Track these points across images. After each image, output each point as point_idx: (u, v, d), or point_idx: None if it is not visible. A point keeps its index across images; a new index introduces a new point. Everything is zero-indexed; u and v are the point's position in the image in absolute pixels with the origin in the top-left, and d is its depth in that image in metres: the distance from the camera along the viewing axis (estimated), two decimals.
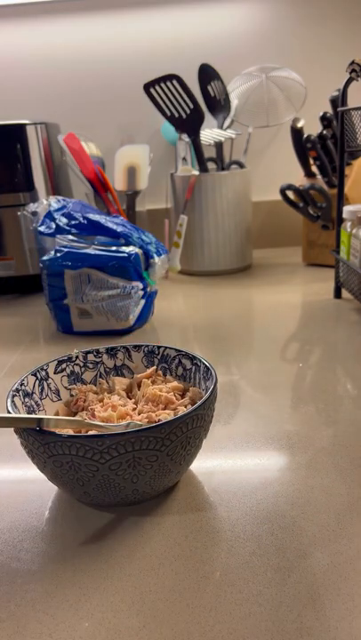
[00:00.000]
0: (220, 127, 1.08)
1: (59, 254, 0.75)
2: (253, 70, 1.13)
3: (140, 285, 0.76)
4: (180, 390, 0.46)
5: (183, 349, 0.47)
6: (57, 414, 0.46)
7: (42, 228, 0.80)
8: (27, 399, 0.43)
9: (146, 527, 0.38)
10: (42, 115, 1.14)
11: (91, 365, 0.49)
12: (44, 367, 0.46)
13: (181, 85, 0.95)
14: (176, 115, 0.98)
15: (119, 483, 0.36)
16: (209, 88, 1.06)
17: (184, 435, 0.36)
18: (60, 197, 0.85)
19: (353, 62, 0.72)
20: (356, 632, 0.29)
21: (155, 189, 1.18)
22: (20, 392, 0.42)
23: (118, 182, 1.06)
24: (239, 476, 0.43)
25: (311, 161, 1.02)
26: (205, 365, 0.44)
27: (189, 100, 0.97)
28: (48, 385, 0.46)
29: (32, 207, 0.86)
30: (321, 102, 1.05)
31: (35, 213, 0.84)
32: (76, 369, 0.48)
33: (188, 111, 0.98)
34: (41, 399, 0.45)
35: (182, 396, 0.45)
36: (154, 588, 0.32)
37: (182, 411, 0.42)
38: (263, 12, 1.15)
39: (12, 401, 0.40)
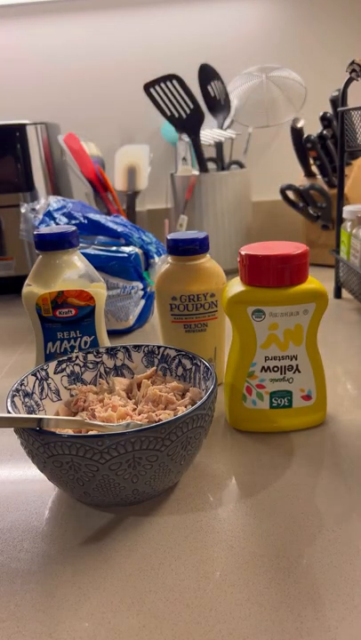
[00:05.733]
0: (220, 127, 1.08)
1: None
2: (253, 70, 1.13)
3: (140, 285, 0.76)
4: (180, 390, 0.46)
5: (183, 349, 0.47)
6: (57, 414, 0.46)
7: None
8: (27, 399, 0.43)
9: (146, 527, 0.38)
10: (42, 115, 1.14)
11: (91, 365, 0.49)
12: (44, 367, 0.46)
13: (181, 85, 0.95)
14: (176, 115, 0.98)
15: (119, 483, 0.36)
16: (209, 88, 1.06)
17: (184, 435, 0.36)
18: (59, 197, 0.85)
19: (353, 62, 0.72)
20: (356, 632, 0.29)
21: (155, 189, 1.18)
22: (20, 392, 0.42)
23: (118, 182, 1.06)
24: (239, 476, 0.43)
25: (311, 161, 1.02)
26: (205, 365, 0.44)
27: (189, 100, 0.97)
28: (48, 385, 0.46)
29: (32, 205, 0.86)
30: (321, 102, 1.05)
31: (34, 210, 0.84)
32: (76, 369, 0.48)
33: (188, 111, 0.98)
34: (41, 399, 0.45)
35: (182, 397, 0.45)
36: (154, 588, 0.32)
37: (182, 411, 0.42)
38: (263, 12, 1.15)
39: (12, 401, 0.40)
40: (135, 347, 0.49)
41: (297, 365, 0.46)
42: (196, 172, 1.02)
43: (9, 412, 0.38)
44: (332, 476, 0.42)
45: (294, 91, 1.11)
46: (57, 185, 1.07)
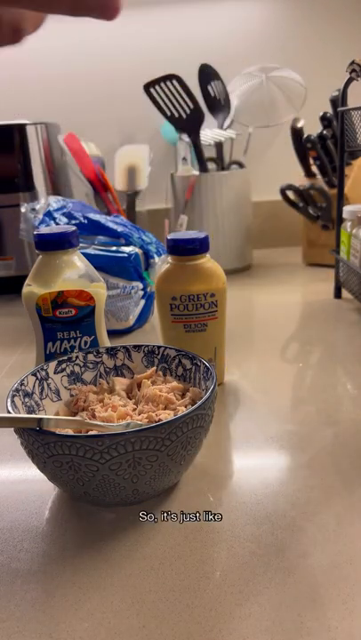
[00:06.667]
0: (220, 127, 1.08)
1: None
2: (253, 70, 1.13)
3: (140, 285, 0.76)
4: (180, 390, 0.46)
5: (183, 349, 0.47)
6: (57, 414, 0.46)
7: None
8: (27, 399, 0.43)
9: (146, 527, 0.38)
10: (42, 115, 1.14)
11: (91, 365, 0.49)
12: (44, 367, 0.46)
13: (181, 85, 0.95)
14: (176, 115, 0.98)
15: (119, 483, 0.36)
16: (209, 88, 1.06)
17: (184, 435, 0.36)
18: (59, 197, 0.85)
19: (353, 62, 0.72)
20: (356, 632, 0.29)
21: (155, 189, 1.18)
22: (20, 392, 0.42)
23: (118, 182, 1.06)
24: (239, 476, 0.43)
25: (311, 161, 1.02)
26: (205, 365, 0.44)
27: (189, 100, 0.97)
28: (48, 385, 0.46)
29: (32, 205, 0.86)
30: (321, 102, 1.05)
31: (34, 210, 0.84)
32: (76, 369, 0.48)
33: (188, 111, 0.98)
34: (41, 399, 0.45)
35: (182, 397, 0.45)
36: (154, 588, 0.32)
37: (182, 411, 0.42)
38: (263, 12, 1.15)
39: (12, 401, 0.40)
40: (135, 347, 0.49)
41: None
42: (196, 172, 1.02)
43: (9, 412, 0.38)
44: (332, 476, 0.42)
45: (294, 91, 1.11)
46: (57, 185, 1.07)
